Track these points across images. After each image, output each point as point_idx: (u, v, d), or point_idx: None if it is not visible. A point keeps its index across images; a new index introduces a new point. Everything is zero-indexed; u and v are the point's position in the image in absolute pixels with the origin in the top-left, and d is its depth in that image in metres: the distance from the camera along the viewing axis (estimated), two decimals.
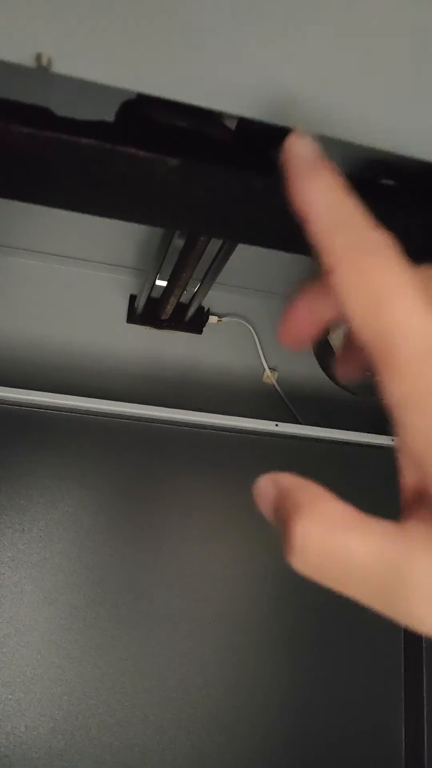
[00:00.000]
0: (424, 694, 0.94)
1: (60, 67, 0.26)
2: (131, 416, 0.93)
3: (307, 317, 0.22)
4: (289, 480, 0.19)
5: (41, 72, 0.26)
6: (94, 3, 0.25)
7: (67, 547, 0.86)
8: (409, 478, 0.20)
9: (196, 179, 0.34)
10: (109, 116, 0.38)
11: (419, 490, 0.19)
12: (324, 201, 0.18)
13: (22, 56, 0.26)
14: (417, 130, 0.29)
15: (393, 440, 0.99)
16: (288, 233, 0.38)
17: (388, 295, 0.16)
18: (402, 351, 0.16)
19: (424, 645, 0.96)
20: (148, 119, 0.34)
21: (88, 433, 0.92)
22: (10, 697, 0.80)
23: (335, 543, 0.17)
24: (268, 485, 0.20)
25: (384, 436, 0.98)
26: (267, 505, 0.20)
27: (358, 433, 0.98)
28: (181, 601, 0.90)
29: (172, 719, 0.86)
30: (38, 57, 0.26)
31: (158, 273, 0.96)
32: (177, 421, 0.95)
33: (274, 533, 0.19)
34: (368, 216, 0.18)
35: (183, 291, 0.99)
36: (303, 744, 0.92)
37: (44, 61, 0.26)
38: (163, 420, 0.95)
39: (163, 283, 1.00)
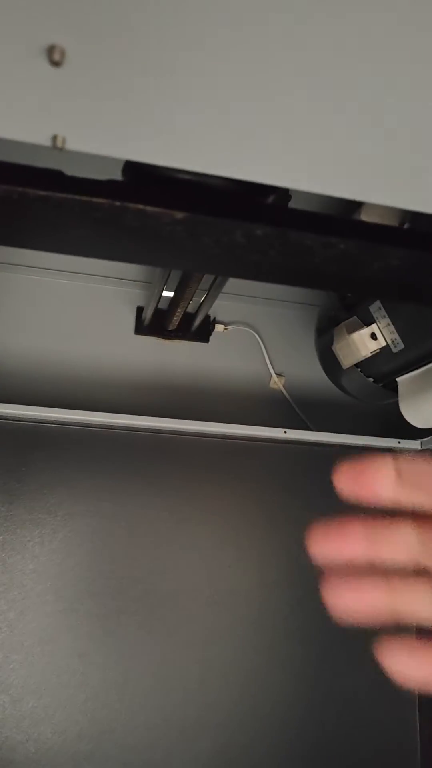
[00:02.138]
0: None
1: (73, 145, 0.29)
2: (142, 428, 0.96)
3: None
4: None
5: (56, 150, 0.29)
6: (100, 89, 0.27)
7: (86, 557, 0.89)
8: None
9: (202, 229, 0.36)
10: (117, 169, 0.40)
11: None
12: None
13: (40, 138, 0.28)
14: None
15: (399, 443, 1.01)
16: (286, 271, 0.40)
17: None
18: None
19: None
20: (153, 174, 0.37)
21: (102, 445, 0.95)
22: (36, 704, 0.84)
23: None
24: None
25: (390, 439, 1.00)
26: None
27: (367, 437, 1.00)
28: (199, 606, 0.93)
29: (194, 720, 0.89)
30: (54, 138, 0.28)
31: (165, 285, 0.98)
32: (187, 432, 0.98)
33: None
34: None
35: (189, 301, 1.01)
36: (323, 740, 0.94)
37: (59, 142, 0.28)
38: (173, 431, 0.97)
39: (170, 294, 1.02)
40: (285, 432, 0.99)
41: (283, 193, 0.55)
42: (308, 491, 0.97)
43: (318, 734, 0.94)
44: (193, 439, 0.99)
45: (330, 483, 0.27)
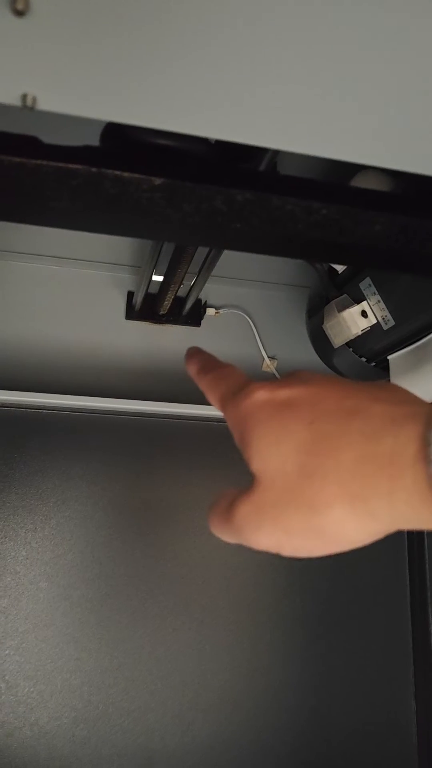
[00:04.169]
0: None
1: (45, 105, 0.28)
2: (134, 412, 0.95)
3: None
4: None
5: (26, 110, 0.28)
6: (71, 41, 0.26)
7: (79, 543, 0.89)
8: None
9: (181, 196, 0.35)
10: (95, 133, 0.39)
11: None
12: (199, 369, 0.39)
13: (7, 97, 0.27)
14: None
15: None
16: (270, 239, 0.40)
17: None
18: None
19: (431, 624, 0.98)
20: (131, 139, 0.36)
21: (94, 431, 0.94)
22: (32, 689, 0.83)
23: (219, 509, 0.32)
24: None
25: None
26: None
27: None
28: (193, 589, 0.93)
29: (188, 704, 0.89)
30: (24, 97, 0.27)
31: (154, 269, 0.97)
32: (179, 415, 0.97)
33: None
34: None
35: (180, 285, 1.00)
36: (321, 721, 0.95)
37: (29, 101, 0.27)
38: (165, 414, 0.97)
39: (160, 278, 1.01)
40: None
41: (272, 162, 0.55)
42: None
43: (315, 715, 0.95)
44: (186, 423, 0.99)
45: None
